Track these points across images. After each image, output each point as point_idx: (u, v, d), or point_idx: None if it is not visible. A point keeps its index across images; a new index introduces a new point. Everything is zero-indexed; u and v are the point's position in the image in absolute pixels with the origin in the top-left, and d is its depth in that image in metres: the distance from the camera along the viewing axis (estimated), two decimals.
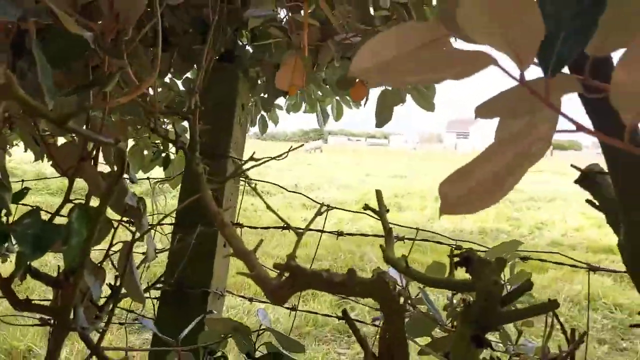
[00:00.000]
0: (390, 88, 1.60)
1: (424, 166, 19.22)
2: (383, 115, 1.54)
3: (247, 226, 1.35)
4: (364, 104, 1.54)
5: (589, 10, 0.34)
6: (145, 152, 2.07)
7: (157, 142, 2.10)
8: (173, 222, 1.36)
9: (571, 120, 0.44)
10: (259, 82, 1.86)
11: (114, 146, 0.68)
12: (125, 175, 0.72)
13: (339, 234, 1.26)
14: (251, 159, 1.11)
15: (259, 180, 1.56)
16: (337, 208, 1.33)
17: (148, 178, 1.46)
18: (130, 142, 1.93)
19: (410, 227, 1.26)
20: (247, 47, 1.89)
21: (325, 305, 4.12)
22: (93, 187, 0.86)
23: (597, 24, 0.34)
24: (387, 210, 0.95)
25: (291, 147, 0.92)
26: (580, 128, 0.39)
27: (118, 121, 1.84)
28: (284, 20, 1.43)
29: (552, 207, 9.25)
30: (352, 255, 5.18)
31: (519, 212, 8.59)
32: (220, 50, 1.54)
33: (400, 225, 1.28)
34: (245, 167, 1.32)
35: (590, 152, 62.65)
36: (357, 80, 1.53)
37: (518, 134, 0.48)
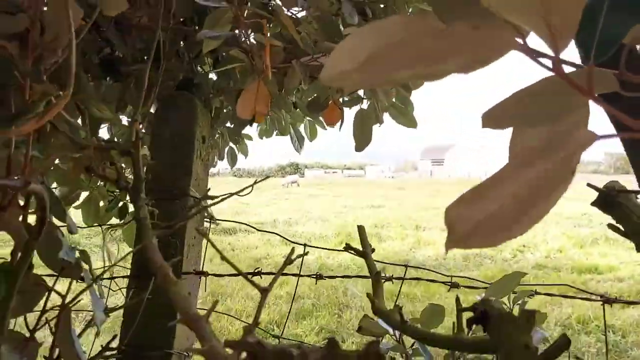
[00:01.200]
0: (365, 107, 1.48)
1: (401, 195, 19.22)
2: (362, 137, 1.41)
3: (212, 274, 1.19)
4: (340, 127, 1.41)
5: None
6: (102, 204, 1.90)
7: (115, 191, 1.93)
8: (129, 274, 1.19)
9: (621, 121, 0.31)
10: (224, 110, 1.72)
11: (23, 189, 0.53)
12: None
13: (318, 276, 1.11)
14: (208, 197, 0.97)
15: (226, 220, 1.40)
16: (316, 247, 1.19)
17: (100, 225, 1.29)
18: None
19: (399, 264, 1.12)
20: (210, 74, 1.76)
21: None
22: (18, 241, 0.70)
23: None
24: (373, 250, 0.80)
25: (255, 180, 0.78)
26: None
27: (72, 165, 1.67)
28: (247, 41, 1.31)
29: (533, 229, 9.10)
30: (335, 290, 4.99)
31: None
32: (178, 77, 1.41)
33: (386, 263, 1.14)
34: (207, 203, 1.17)
35: None
36: (330, 102, 1.40)
37: (550, 143, 0.35)
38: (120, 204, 1.84)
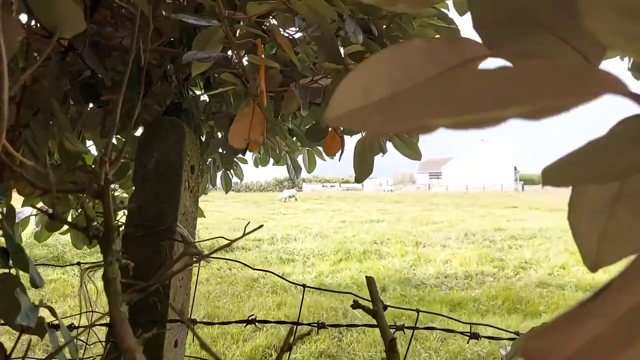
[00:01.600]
0: (367, 135, 1.37)
1: (400, 209, 19.10)
2: (363, 168, 1.30)
3: (202, 322, 1.07)
4: (340, 157, 1.30)
5: None
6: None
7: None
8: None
9: None
10: (219, 135, 1.62)
11: None
12: None
13: (320, 325, 0.99)
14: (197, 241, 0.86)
15: (219, 258, 1.29)
16: (314, 288, 1.07)
17: (79, 263, 1.18)
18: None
19: (410, 309, 1.00)
20: (202, 98, 1.66)
21: None
22: None
23: None
24: (385, 307, 0.69)
25: (245, 230, 0.66)
26: None
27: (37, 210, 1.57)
28: (242, 64, 1.20)
29: (534, 244, 9.10)
30: (335, 312, 4.85)
31: (502, 252, 8.40)
32: (166, 101, 1.31)
33: (398, 308, 1.02)
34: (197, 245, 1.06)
35: None
36: (329, 129, 1.30)
37: None
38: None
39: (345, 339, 4.17)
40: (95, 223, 1.41)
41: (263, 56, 0.99)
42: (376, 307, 0.67)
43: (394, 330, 0.92)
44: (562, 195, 34.43)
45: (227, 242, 0.76)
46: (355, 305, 0.67)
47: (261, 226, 0.56)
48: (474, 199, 26.79)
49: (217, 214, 16.60)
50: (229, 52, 1.13)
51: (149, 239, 1.09)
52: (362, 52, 1.09)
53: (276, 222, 14.20)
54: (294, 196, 27.21)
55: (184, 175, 1.12)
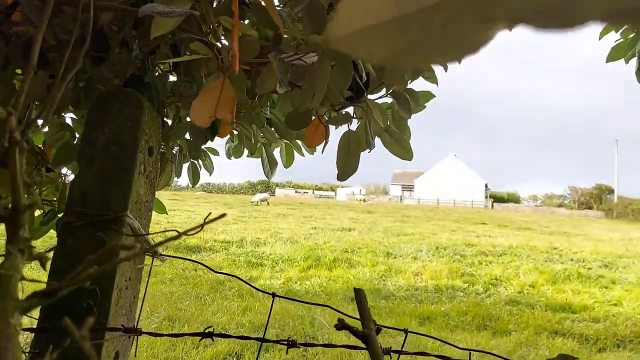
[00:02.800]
0: (354, 130, 1.22)
1: (373, 219, 19.03)
2: (347, 165, 1.15)
3: (148, 333, 0.90)
4: (322, 150, 1.15)
5: None
6: (37, 213, 1.59)
7: (53, 200, 1.63)
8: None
9: None
10: (184, 120, 1.45)
11: None
12: None
13: (290, 344, 0.83)
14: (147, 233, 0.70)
15: (172, 257, 1.12)
16: (285, 297, 0.91)
17: None
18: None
19: (398, 329, 0.85)
20: (172, 80, 1.49)
21: None
22: None
23: None
24: (378, 330, 0.54)
25: (205, 219, 0.51)
26: None
27: None
28: (215, 33, 1.05)
29: (504, 261, 9.09)
30: (302, 320, 4.69)
31: (472, 268, 8.36)
32: (125, 73, 1.14)
33: (386, 327, 0.87)
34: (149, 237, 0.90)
35: (529, 204, 64.98)
36: (312, 118, 1.14)
37: None
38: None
39: (311, 349, 4.00)
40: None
41: (240, 22, 0.83)
42: (367, 329, 0.51)
43: (384, 353, 0.77)
44: (530, 214, 34.95)
45: (177, 234, 0.60)
46: (341, 326, 0.52)
47: (224, 215, 0.41)
48: (445, 213, 26.94)
49: (186, 213, 16.26)
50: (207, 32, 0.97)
51: (91, 230, 0.91)
52: None
53: (247, 224, 13.95)
54: (266, 200, 26.91)
55: (139, 158, 0.95)
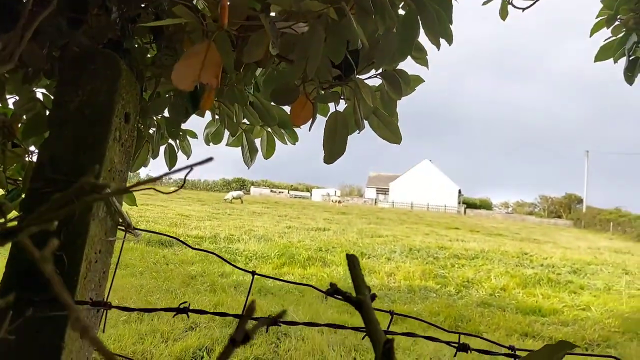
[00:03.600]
0: (341, 110, 1.18)
1: (347, 220, 19.04)
2: (334, 146, 1.11)
3: (118, 307, 0.84)
4: (310, 127, 1.10)
5: None
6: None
7: (18, 179, 1.53)
8: None
9: None
10: (165, 95, 1.38)
11: None
12: None
13: (273, 321, 0.79)
14: (120, 191, 0.65)
15: (148, 231, 1.06)
16: (264, 276, 0.86)
17: None
18: None
19: (384, 310, 0.81)
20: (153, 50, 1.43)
21: None
22: None
23: None
24: (373, 296, 0.50)
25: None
26: None
27: None
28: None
29: (476, 265, 9.17)
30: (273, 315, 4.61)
31: (444, 270, 8.41)
32: (102, 38, 1.07)
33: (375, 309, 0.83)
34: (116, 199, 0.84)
35: (501, 210, 65.92)
36: (299, 94, 1.10)
37: None
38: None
39: (282, 345, 3.94)
40: None
41: None
42: (362, 295, 0.47)
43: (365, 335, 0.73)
44: (502, 221, 35.47)
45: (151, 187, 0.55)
46: (333, 291, 0.48)
47: (211, 158, 0.36)
48: (419, 217, 27.15)
49: (159, 208, 16.02)
50: None
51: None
52: None
53: (220, 221, 13.79)
54: (240, 198, 26.68)
55: (115, 123, 0.89)
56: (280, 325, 0.76)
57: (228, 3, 0.70)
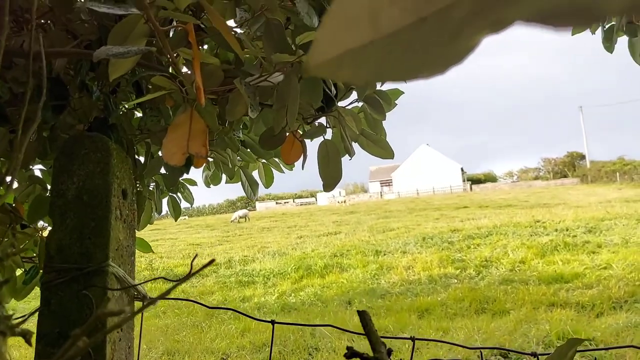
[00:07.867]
0: (330, 138, 1.21)
1: (356, 219, 19.07)
2: (330, 174, 1.13)
3: None
4: (302, 165, 1.13)
5: None
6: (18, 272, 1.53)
7: (33, 256, 1.56)
8: None
9: None
10: (160, 154, 1.41)
11: None
12: None
13: None
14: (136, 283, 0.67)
15: (163, 298, 1.08)
16: (284, 323, 0.89)
17: None
18: None
19: (405, 338, 0.83)
20: (138, 116, 1.46)
21: None
22: None
23: None
24: (389, 352, 0.52)
25: (191, 267, 0.48)
26: None
27: None
28: (175, 64, 1.01)
29: (491, 242, 9.18)
30: (302, 332, 4.64)
31: (461, 253, 8.42)
32: (88, 117, 1.10)
33: (392, 338, 0.86)
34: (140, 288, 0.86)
35: (506, 180, 65.90)
36: (287, 134, 1.12)
37: None
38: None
39: (315, 359, 3.96)
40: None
41: (199, 49, 0.81)
42: (378, 353, 0.49)
43: None
44: (509, 191, 35.45)
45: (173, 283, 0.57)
46: (350, 354, 0.50)
47: (212, 261, 0.38)
48: (426, 202, 27.16)
49: (169, 241, 16.06)
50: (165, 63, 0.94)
51: (75, 285, 0.88)
52: None
53: (232, 243, 13.83)
54: (245, 216, 26.73)
55: (114, 202, 0.92)
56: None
57: (201, 81, 0.73)
